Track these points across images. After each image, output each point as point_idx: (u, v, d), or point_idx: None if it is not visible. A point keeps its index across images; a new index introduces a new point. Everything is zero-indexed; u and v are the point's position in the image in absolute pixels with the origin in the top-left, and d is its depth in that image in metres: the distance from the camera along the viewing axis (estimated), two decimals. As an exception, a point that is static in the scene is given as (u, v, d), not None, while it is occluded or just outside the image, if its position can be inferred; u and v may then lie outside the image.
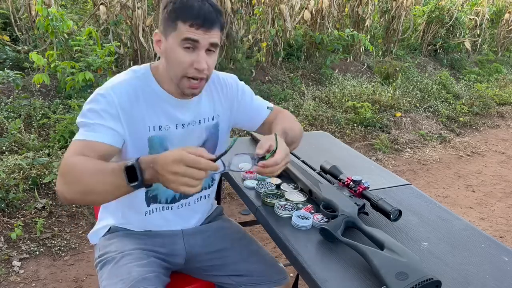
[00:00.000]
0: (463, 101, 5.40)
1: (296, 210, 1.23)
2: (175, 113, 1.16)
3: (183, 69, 1.06)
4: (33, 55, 3.03)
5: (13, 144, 2.81)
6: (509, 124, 5.25)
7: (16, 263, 2.08)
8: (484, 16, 7.60)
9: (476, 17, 7.64)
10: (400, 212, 1.17)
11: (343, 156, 1.75)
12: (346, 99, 4.62)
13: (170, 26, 1.03)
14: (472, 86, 6.03)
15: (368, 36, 6.08)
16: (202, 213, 1.37)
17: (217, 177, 1.36)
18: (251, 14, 5.40)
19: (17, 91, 3.40)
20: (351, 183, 1.26)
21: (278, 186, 1.38)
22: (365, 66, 5.86)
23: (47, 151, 2.77)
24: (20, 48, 4.04)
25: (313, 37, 5.30)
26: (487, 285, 0.99)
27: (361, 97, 4.75)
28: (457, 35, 7.06)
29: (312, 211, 1.24)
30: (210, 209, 1.42)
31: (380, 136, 4.11)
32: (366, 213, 1.23)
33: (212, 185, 1.34)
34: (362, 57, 6.05)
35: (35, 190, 2.53)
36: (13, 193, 2.42)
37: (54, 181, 2.54)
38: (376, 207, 1.19)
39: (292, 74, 5.12)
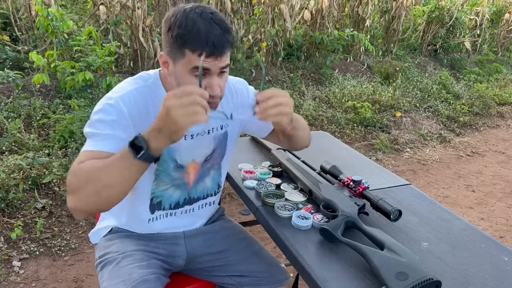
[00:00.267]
0: (463, 101, 5.40)
1: (296, 210, 1.23)
2: None
3: None
4: (33, 55, 3.03)
5: (13, 144, 2.81)
6: (509, 124, 5.25)
7: (16, 263, 2.08)
8: (484, 16, 7.60)
9: (476, 17, 7.64)
10: (400, 212, 1.17)
11: (343, 156, 1.75)
12: (346, 99, 4.61)
13: (177, 52, 0.97)
14: (472, 86, 6.03)
15: (368, 36, 6.08)
16: (206, 218, 1.37)
17: (223, 183, 1.36)
18: (251, 14, 5.40)
19: (17, 91, 3.40)
20: (351, 183, 1.26)
21: (278, 186, 1.38)
22: (365, 66, 5.86)
23: (47, 151, 2.77)
24: (20, 48, 4.04)
25: (313, 37, 5.30)
26: (487, 285, 0.99)
27: (361, 97, 4.75)
28: (457, 35, 7.06)
29: (312, 211, 1.24)
30: (213, 211, 1.42)
31: (380, 136, 4.11)
32: (366, 213, 1.23)
33: (218, 192, 1.34)
34: (362, 57, 6.04)
35: (35, 190, 2.53)
36: (13, 193, 2.42)
37: (54, 181, 2.55)
38: (376, 207, 1.19)
39: (292, 74, 5.12)
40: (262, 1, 4.84)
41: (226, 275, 1.28)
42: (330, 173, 1.34)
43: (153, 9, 6.00)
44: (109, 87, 3.14)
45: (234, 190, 1.51)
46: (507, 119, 5.41)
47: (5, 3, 4.26)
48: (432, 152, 4.11)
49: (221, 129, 1.23)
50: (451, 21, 6.79)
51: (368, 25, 6.11)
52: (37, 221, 2.30)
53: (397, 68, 5.72)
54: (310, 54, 5.56)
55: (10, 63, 3.82)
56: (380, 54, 6.52)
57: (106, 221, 1.30)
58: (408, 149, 4.09)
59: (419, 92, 5.31)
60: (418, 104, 5.07)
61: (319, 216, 1.20)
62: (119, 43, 4.09)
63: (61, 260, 2.15)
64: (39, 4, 3.32)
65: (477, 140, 4.58)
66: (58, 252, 2.20)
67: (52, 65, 3.27)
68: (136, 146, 0.90)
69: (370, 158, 2.20)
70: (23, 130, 2.96)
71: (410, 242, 1.14)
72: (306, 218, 1.17)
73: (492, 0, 8.03)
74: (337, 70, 5.45)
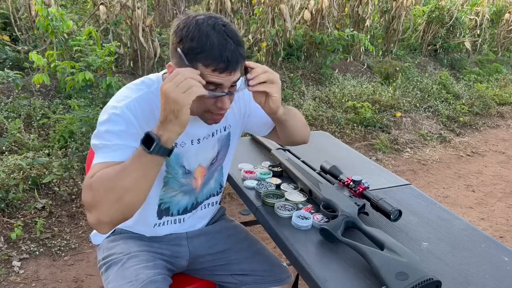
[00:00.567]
0: (463, 101, 5.40)
1: (296, 210, 1.23)
2: (190, 129, 1.06)
3: (206, 107, 1.02)
4: (33, 55, 3.03)
5: (13, 144, 2.81)
6: (509, 124, 5.25)
7: (16, 263, 2.08)
8: (484, 16, 7.60)
9: (476, 17, 7.64)
10: (400, 212, 1.17)
11: (343, 156, 1.75)
12: (346, 99, 4.61)
13: (188, 65, 0.94)
14: (472, 86, 6.03)
15: (368, 36, 6.07)
16: (208, 218, 1.37)
17: (224, 181, 1.36)
18: (251, 14, 5.40)
19: (17, 91, 3.40)
20: (351, 183, 1.26)
21: (278, 186, 1.38)
22: (365, 66, 5.86)
23: (47, 151, 2.77)
24: (20, 48, 4.04)
25: (313, 37, 5.30)
26: (487, 285, 0.99)
27: (361, 97, 4.75)
28: (457, 35, 7.06)
29: (312, 211, 1.24)
30: (215, 211, 1.42)
31: (380, 136, 4.10)
32: (366, 213, 1.23)
33: (220, 192, 1.34)
34: (362, 57, 6.04)
35: (35, 190, 2.53)
36: (13, 193, 2.42)
37: (54, 181, 2.55)
38: (376, 207, 1.19)
39: (292, 74, 5.12)
40: (262, 1, 4.84)
41: (228, 274, 1.28)
42: (330, 173, 1.34)
43: (153, 9, 6.01)
44: (109, 87, 3.14)
45: (234, 190, 1.51)
46: (507, 119, 5.41)
47: (5, 3, 4.26)
48: (432, 152, 4.11)
49: (224, 130, 1.24)
50: (451, 21, 6.79)
51: (368, 25, 6.10)
52: (37, 221, 2.30)
53: (397, 68, 5.72)
54: (310, 54, 5.56)
55: (10, 63, 3.82)
56: (380, 54, 6.51)
57: None
58: (408, 149, 4.09)
59: (419, 92, 5.31)
60: (418, 104, 5.07)
61: (319, 216, 1.20)
62: (119, 43, 4.09)
63: (61, 260, 2.15)
64: (39, 4, 3.32)
65: (477, 140, 4.58)
66: (58, 252, 2.20)
67: (52, 65, 3.27)
68: (147, 142, 0.91)
69: (370, 158, 2.20)
70: (23, 130, 2.96)
71: (410, 242, 1.14)
72: (306, 218, 1.17)
73: (492, 0, 8.03)
74: (337, 70, 5.45)
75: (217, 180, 1.30)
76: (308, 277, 1.00)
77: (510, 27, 7.95)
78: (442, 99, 5.37)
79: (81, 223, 2.43)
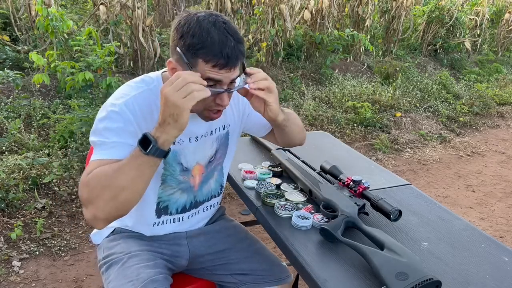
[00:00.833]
0: (463, 101, 5.40)
1: (296, 210, 1.23)
2: (189, 127, 1.08)
3: (205, 104, 1.02)
4: (33, 55, 3.03)
5: (13, 144, 2.81)
6: (509, 124, 5.25)
7: (16, 263, 2.08)
8: (484, 16, 7.60)
9: (476, 17, 7.64)
10: (400, 212, 1.17)
11: (343, 156, 1.75)
12: (346, 99, 4.61)
13: (188, 60, 0.96)
14: (472, 86, 6.03)
15: (368, 36, 6.07)
16: (208, 218, 1.37)
17: (224, 182, 1.36)
18: (251, 14, 5.40)
19: (17, 91, 3.40)
20: (351, 183, 1.26)
21: (278, 186, 1.38)
22: (365, 66, 5.86)
23: (47, 151, 2.77)
24: (20, 48, 4.04)
25: (313, 37, 5.30)
26: (487, 285, 0.99)
27: (361, 97, 4.74)
28: (457, 35, 7.06)
29: (312, 211, 1.24)
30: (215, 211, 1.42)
31: (380, 136, 4.10)
32: (366, 213, 1.23)
33: (221, 193, 1.35)
34: (362, 57, 6.04)
35: (35, 190, 2.53)
36: (13, 193, 2.42)
37: (54, 181, 2.55)
38: (376, 207, 1.19)
39: (292, 74, 5.12)
40: (262, 1, 4.84)
41: (228, 274, 1.28)
42: (330, 173, 1.34)
43: (153, 9, 6.01)
44: (109, 87, 3.14)
45: (234, 190, 1.51)
46: (507, 119, 5.41)
47: (5, 3, 4.26)
48: (432, 152, 4.11)
49: (223, 129, 1.24)
50: (451, 21, 6.78)
51: (368, 25, 6.10)
52: (37, 221, 2.30)
53: (397, 68, 5.72)
54: (310, 54, 5.56)
55: (10, 63, 3.82)
56: (380, 54, 6.51)
57: None
58: (408, 149, 4.09)
59: (419, 92, 5.31)
60: (418, 104, 5.07)
61: (319, 216, 1.20)
62: (119, 43, 4.09)
63: (61, 260, 2.15)
64: (39, 4, 3.32)
65: (477, 140, 4.58)
66: (58, 252, 2.20)
67: (52, 65, 3.27)
68: (145, 143, 0.92)
69: (370, 158, 2.20)
70: (23, 130, 2.96)
71: (410, 242, 1.14)
72: (306, 218, 1.17)
73: (492, 0, 8.03)
74: (337, 70, 5.45)
75: (218, 181, 1.30)
76: (308, 277, 1.00)
77: (510, 27, 7.95)
78: (442, 99, 5.37)
79: (81, 223, 2.43)
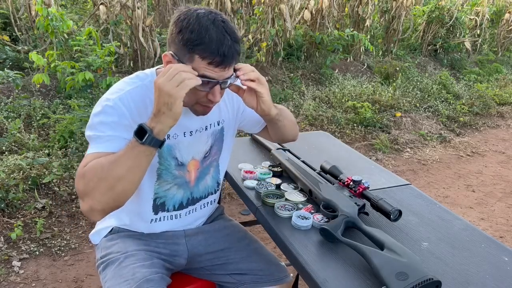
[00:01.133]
0: (463, 101, 5.40)
1: (296, 210, 1.23)
2: (183, 121, 1.12)
3: (197, 98, 1.05)
4: (33, 55, 3.03)
5: (13, 144, 2.81)
6: (509, 124, 5.25)
7: (16, 263, 2.08)
8: (484, 16, 7.60)
9: (476, 17, 7.64)
10: (400, 212, 1.17)
11: (343, 156, 1.75)
12: (346, 99, 4.61)
13: (185, 55, 0.97)
14: (472, 86, 6.03)
15: (368, 36, 6.07)
16: (206, 216, 1.37)
17: (221, 181, 1.36)
18: (251, 14, 5.39)
19: (17, 91, 3.40)
20: (351, 183, 1.26)
21: (278, 186, 1.38)
22: (365, 66, 5.86)
23: (47, 151, 2.77)
24: (20, 48, 4.04)
25: (313, 37, 5.30)
26: (487, 285, 0.99)
27: (361, 97, 4.74)
28: (457, 35, 7.06)
29: (312, 211, 1.24)
30: (213, 210, 1.42)
31: (380, 136, 4.11)
32: (366, 213, 1.23)
33: (217, 190, 1.35)
34: (362, 57, 6.04)
35: (35, 190, 2.53)
36: (13, 193, 2.42)
37: (54, 181, 2.55)
38: (376, 207, 1.19)
39: (292, 74, 5.12)
40: (262, 1, 4.84)
41: (226, 274, 1.29)
42: (330, 173, 1.34)
43: (153, 9, 6.01)
44: (109, 87, 3.13)
45: (234, 190, 1.51)
46: (507, 119, 5.41)
47: (5, 3, 4.26)
48: (432, 152, 4.11)
49: (218, 125, 1.25)
50: (451, 21, 6.78)
51: (368, 25, 6.10)
52: (37, 221, 2.30)
53: (397, 68, 5.72)
54: (310, 54, 5.56)
55: (10, 63, 3.82)
56: (380, 54, 6.51)
57: (106, 221, 1.29)
58: (408, 149, 4.09)
59: (419, 92, 5.31)
60: (418, 104, 5.07)
61: (319, 216, 1.20)
62: (119, 43, 4.09)
63: (61, 260, 2.15)
64: (39, 4, 3.32)
65: (477, 140, 4.58)
66: (58, 252, 2.20)
67: (52, 65, 3.27)
68: (140, 133, 0.93)
69: (370, 158, 2.20)
70: (23, 130, 2.96)
71: (410, 242, 1.14)
72: (306, 218, 1.17)
73: (492, 0, 8.03)
74: (337, 70, 5.45)
75: (214, 178, 1.31)
76: (308, 277, 1.00)
77: (510, 27, 7.95)
78: (442, 99, 5.37)
79: (81, 223, 2.43)
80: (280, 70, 5.15)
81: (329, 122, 4.21)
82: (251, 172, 1.44)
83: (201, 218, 1.34)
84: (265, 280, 1.26)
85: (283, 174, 1.46)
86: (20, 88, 3.32)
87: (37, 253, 2.17)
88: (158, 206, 1.22)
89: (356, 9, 5.97)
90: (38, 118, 3.14)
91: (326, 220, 1.19)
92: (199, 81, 0.94)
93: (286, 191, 1.34)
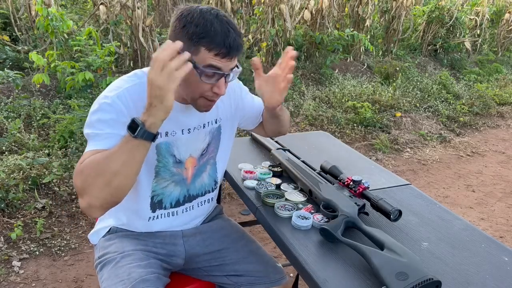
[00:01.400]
0: (463, 101, 5.40)
1: (296, 210, 1.23)
2: (181, 119, 1.15)
3: (202, 92, 1.06)
4: (33, 55, 3.03)
5: (13, 144, 2.81)
6: (509, 124, 5.25)
7: (16, 263, 2.08)
8: (484, 16, 7.60)
9: (476, 17, 7.64)
10: (400, 212, 1.17)
11: (343, 156, 1.75)
12: (346, 99, 4.61)
13: (190, 49, 0.98)
14: (472, 86, 6.03)
15: (368, 36, 6.07)
16: (204, 215, 1.38)
17: (219, 180, 1.36)
18: (251, 14, 5.40)
19: (17, 91, 3.40)
20: (351, 183, 1.26)
21: (278, 186, 1.37)
22: (365, 66, 5.86)
23: (47, 151, 2.77)
24: (20, 48, 4.04)
25: (313, 37, 5.30)
26: (487, 285, 0.99)
27: (361, 97, 4.74)
28: (457, 35, 7.06)
29: (312, 211, 1.24)
30: (211, 209, 1.42)
31: (380, 136, 4.10)
32: (366, 213, 1.23)
33: (215, 188, 1.35)
34: (362, 57, 6.04)
35: (35, 190, 2.53)
36: (13, 193, 2.42)
37: (54, 181, 2.55)
38: (376, 207, 1.19)
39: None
40: (262, 1, 4.84)
41: (223, 275, 1.29)
42: (330, 173, 1.34)
43: (153, 9, 6.01)
44: (109, 87, 3.14)
45: (234, 190, 1.51)
46: (507, 119, 5.41)
47: (5, 3, 4.26)
48: (432, 152, 4.11)
49: (215, 123, 1.26)
50: (451, 21, 6.78)
51: (368, 25, 6.10)
52: (37, 221, 2.30)
53: (397, 68, 5.72)
54: (310, 54, 5.56)
55: (10, 63, 3.82)
56: (380, 54, 6.51)
57: (105, 222, 1.30)
58: (408, 149, 4.09)
59: (419, 92, 5.31)
60: (418, 104, 5.07)
61: (319, 216, 1.20)
62: (119, 43, 4.09)
63: (61, 260, 2.15)
64: (39, 4, 3.32)
65: (477, 140, 4.58)
66: (58, 252, 2.20)
67: (52, 65, 3.27)
68: (133, 127, 0.94)
69: (370, 158, 2.20)
70: (23, 130, 2.96)
71: (410, 242, 1.14)
72: (306, 218, 1.17)
73: (492, 0, 8.03)
74: (337, 70, 5.45)
75: (211, 176, 1.31)
76: (308, 277, 1.00)
77: (510, 27, 7.95)
78: (442, 99, 5.37)
79: (81, 223, 2.43)
80: (280, 70, 5.14)
81: (329, 122, 4.21)
82: (251, 172, 1.44)
83: (198, 217, 1.34)
84: (261, 282, 1.26)
85: (283, 174, 1.46)
86: (20, 88, 3.32)
87: (37, 253, 2.17)
88: (156, 204, 1.22)
89: (356, 9, 5.97)
90: (38, 118, 3.14)
91: (326, 220, 1.19)
92: (189, 66, 0.94)
93: (286, 191, 1.34)
